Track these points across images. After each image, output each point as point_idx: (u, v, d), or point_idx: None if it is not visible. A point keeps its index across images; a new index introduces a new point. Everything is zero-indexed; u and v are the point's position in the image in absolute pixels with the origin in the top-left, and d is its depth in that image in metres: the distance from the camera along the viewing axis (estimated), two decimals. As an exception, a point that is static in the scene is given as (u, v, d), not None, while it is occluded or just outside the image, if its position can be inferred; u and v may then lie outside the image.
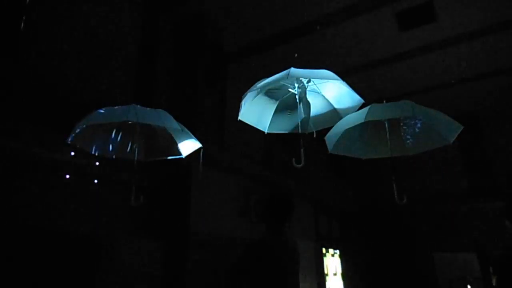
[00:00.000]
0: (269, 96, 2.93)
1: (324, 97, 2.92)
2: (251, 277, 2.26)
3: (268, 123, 3.02)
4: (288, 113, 2.96)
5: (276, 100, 2.96)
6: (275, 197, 2.57)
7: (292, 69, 2.49)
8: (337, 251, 8.75)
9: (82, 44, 4.07)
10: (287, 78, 2.49)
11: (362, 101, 2.72)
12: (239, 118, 2.85)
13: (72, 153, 3.47)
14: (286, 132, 3.03)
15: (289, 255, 2.39)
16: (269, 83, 2.61)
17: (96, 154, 2.95)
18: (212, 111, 5.81)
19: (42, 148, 3.37)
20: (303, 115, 2.65)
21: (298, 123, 2.73)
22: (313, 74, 2.58)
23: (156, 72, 5.01)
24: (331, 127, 2.97)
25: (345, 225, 9.43)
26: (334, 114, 2.90)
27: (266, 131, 3.03)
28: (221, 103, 6.04)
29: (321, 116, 2.93)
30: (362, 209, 9.43)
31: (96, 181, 3.76)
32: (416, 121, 2.87)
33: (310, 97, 2.77)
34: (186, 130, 2.87)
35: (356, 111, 2.79)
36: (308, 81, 2.75)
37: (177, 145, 2.92)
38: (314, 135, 2.77)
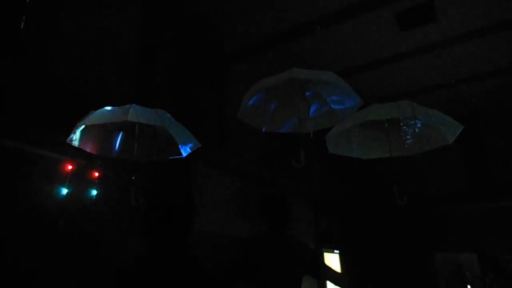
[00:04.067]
0: (268, 95, 2.94)
1: (322, 97, 2.92)
2: (250, 276, 2.27)
3: (267, 122, 3.03)
4: (287, 113, 2.97)
5: (275, 99, 2.97)
6: (275, 199, 2.59)
7: (295, 69, 2.50)
8: (337, 251, 8.75)
9: (82, 44, 4.07)
10: (290, 78, 2.50)
11: (362, 102, 2.73)
12: (238, 116, 2.86)
13: (72, 153, 3.48)
14: (285, 131, 3.03)
15: (294, 254, 2.39)
16: (270, 82, 2.62)
17: (96, 154, 2.95)
18: (212, 111, 5.80)
19: (42, 148, 3.37)
20: (302, 115, 2.66)
21: (296, 123, 2.74)
22: (315, 74, 2.59)
23: (156, 72, 5.01)
24: (330, 127, 2.98)
25: (345, 225, 9.43)
26: (333, 115, 2.91)
27: (264, 130, 3.03)
28: (221, 103, 6.04)
29: (320, 116, 2.94)
30: (362, 209, 9.43)
31: (96, 181, 3.76)
32: (416, 121, 2.87)
33: (309, 97, 2.78)
34: (186, 130, 2.87)
35: (356, 111, 2.79)
36: (308, 81, 2.75)
37: (177, 145, 2.92)
38: (311, 135, 2.77)
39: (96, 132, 2.87)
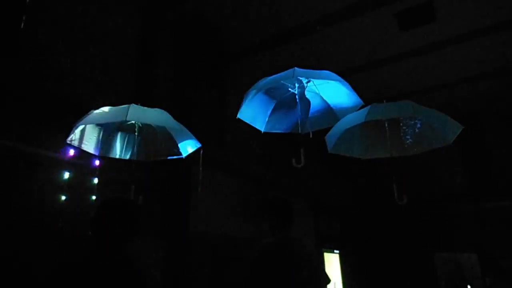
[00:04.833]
0: (268, 95, 2.94)
1: (322, 97, 2.92)
2: (267, 278, 2.27)
3: (265, 122, 3.02)
4: (286, 113, 2.96)
5: (275, 99, 2.97)
6: (278, 200, 2.58)
7: (297, 69, 2.49)
8: (337, 251, 8.75)
9: (82, 44, 4.07)
10: (290, 77, 2.50)
11: (362, 102, 2.72)
12: (238, 116, 2.86)
13: (72, 153, 3.47)
14: (283, 132, 3.03)
15: (302, 255, 2.39)
16: (271, 82, 2.62)
17: (96, 154, 2.95)
18: (212, 111, 5.80)
19: (41, 147, 3.37)
20: (301, 115, 2.65)
21: (295, 123, 2.73)
22: (315, 74, 2.59)
23: (156, 72, 5.01)
24: (330, 127, 2.98)
25: (345, 225, 9.43)
26: (332, 115, 2.91)
27: (262, 131, 3.03)
28: (221, 103, 6.04)
29: (319, 117, 2.94)
30: (362, 209, 9.43)
31: (96, 181, 3.76)
32: (416, 121, 2.88)
33: (308, 98, 2.78)
34: (186, 130, 2.86)
35: (356, 111, 2.79)
36: (308, 81, 2.75)
37: (177, 145, 2.92)
38: (311, 135, 2.77)
39: (96, 132, 2.87)
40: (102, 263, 1.69)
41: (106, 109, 2.62)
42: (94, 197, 3.76)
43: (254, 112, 2.96)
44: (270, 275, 2.26)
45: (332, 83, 2.73)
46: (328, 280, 2.42)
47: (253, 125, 3.01)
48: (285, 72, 2.56)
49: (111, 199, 1.88)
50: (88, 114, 2.57)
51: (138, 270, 1.81)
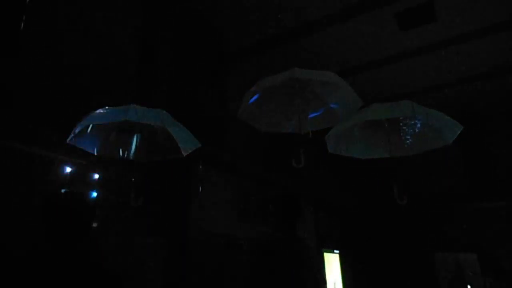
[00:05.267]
0: (269, 95, 2.94)
1: (323, 97, 2.92)
2: (268, 278, 2.27)
3: (267, 122, 3.03)
4: (287, 113, 2.97)
5: (276, 99, 2.97)
6: (288, 198, 2.58)
7: (296, 69, 2.50)
8: (337, 251, 8.75)
9: (82, 44, 4.07)
10: (290, 78, 2.51)
11: (362, 102, 2.73)
12: (238, 116, 2.86)
13: (72, 153, 3.47)
14: (284, 131, 3.03)
15: (306, 253, 2.40)
16: (270, 82, 2.62)
17: (96, 154, 2.95)
18: (212, 111, 5.81)
19: (42, 148, 3.37)
20: (302, 115, 2.66)
21: (296, 123, 2.73)
22: (315, 74, 2.59)
23: (156, 72, 5.01)
24: (330, 127, 2.98)
25: (345, 225, 9.43)
26: (333, 115, 2.91)
27: (264, 130, 3.03)
28: (221, 103, 6.04)
29: (320, 116, 2.94)
30: (362, 209, 9.43)
31: (96, 181, 3.76)
32: (416, 121, 2.88)
33: (309, 97, 2.78)
34: (186, 130, 2.87)
35: (356, 111, 2.79)
36: (309, 81, 2.75)
37: (177, 145, 2.92)
38: (310, 135, 2.77)
39: (96, 132, 2.87)
40: (53, 260, 1.69)
41: (106, 109, 2.62)
42: (94, 197, 3.77)
43: (255, 112, 2.96)
44: (270, 275, 2.26)
45: (332, 83, 2.74)
46: (324, 281, 2.43)
47: (254, 125, 3.01)
48: (285, 72, 2.56)
49: (58, 194, 1.87)
50: (89, 115, 2.57)
51: (98, 269, 1.75)
